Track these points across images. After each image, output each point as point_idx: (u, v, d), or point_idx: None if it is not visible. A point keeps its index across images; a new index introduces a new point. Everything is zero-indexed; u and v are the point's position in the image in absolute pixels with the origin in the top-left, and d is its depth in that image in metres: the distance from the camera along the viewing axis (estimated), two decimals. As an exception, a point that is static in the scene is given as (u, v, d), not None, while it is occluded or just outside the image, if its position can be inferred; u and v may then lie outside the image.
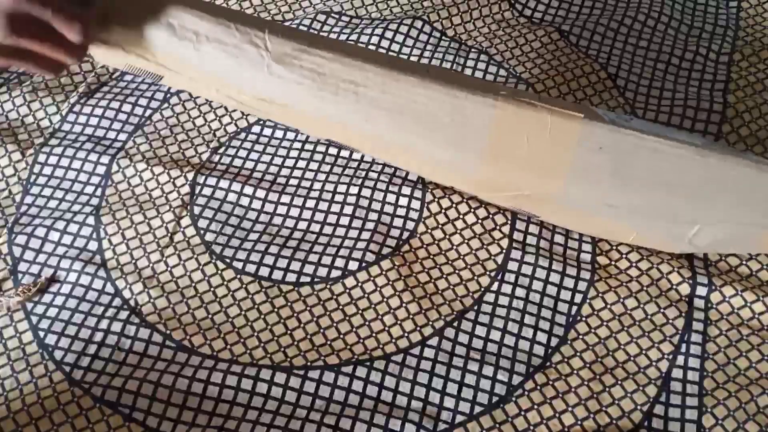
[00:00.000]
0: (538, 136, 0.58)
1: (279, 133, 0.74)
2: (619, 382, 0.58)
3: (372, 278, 0.63)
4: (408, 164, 0.65)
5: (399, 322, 0.61)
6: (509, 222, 0.66)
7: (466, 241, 0.66)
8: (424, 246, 0.66)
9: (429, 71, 0.60)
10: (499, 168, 0.60)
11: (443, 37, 0.82)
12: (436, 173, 0.65)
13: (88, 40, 0.54)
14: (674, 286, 0.62)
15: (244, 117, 0.75)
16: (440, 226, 0.67)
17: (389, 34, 0.81)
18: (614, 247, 0.65)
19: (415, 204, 0.68)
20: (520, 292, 0.62)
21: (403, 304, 0.62)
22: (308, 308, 0.63)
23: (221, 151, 0.73)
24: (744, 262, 0.64)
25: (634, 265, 0.64)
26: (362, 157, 0.71)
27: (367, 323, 0.62)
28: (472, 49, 0.81)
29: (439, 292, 0.63)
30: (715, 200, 0.58)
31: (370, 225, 0.67)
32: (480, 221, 0.67)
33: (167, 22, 0.58)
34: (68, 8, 0.52)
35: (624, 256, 0.65)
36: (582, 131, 0.58)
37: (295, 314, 0.62)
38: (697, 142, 0.59)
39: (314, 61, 0.58)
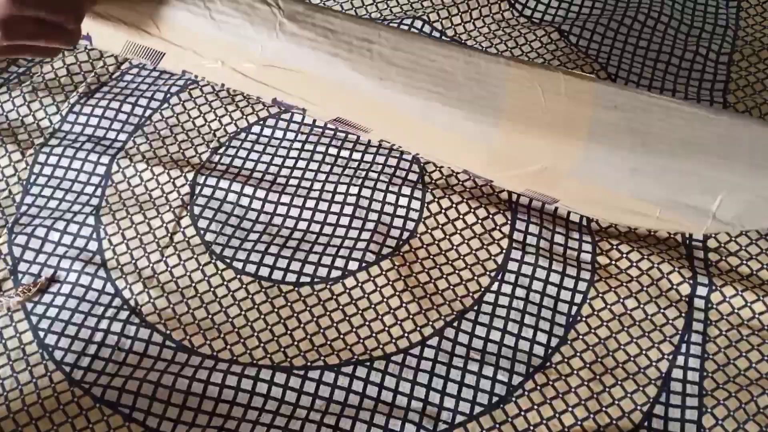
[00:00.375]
0: (554, 94, 0.58)
1: (279, 134, 0.74)
2: (619, 383, 0.58)
3: (372, 278, 0.63)
4: (420, 142, 0.63)
5: (399, 322, 0.61)
6: (509, 222, 0.66)
7: (466, 241, 0.66)
8: (424, 246, 0.66)
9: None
10: (516, 131, 0.58)
11: (443, 37, 0.82)
12: (449, 149, 0.62)
13: (79, 23, 0.54)
14: (674, 286, 0.62)
15: (244, 117, 0.75)
16: (440, 226, 0.67)
17: (389, 34, 0.81)
18: (615, 247, 0.65)
19: (415, 204, 0.68)
20: (520, 292, 0.62)
21: (403, 304, 0.62)
22: (308, 308, 0.63)
23: (221, 151, 0.73)
24: (744, 262, 0.64)
25: (634, 264, 0.64)
26: (362, 157, 0.71)
27: (367, 323, 0.62)
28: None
29: (439, 292, 0.63)
30: (733, 160, 0.58)
31: (370, 225, 0.67)
32: (480, 221, 0.67)
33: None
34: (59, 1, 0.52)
35: (624, 255, 0.64)
36: (596, 90, 0.58)
37: (295, 314, 0.62)
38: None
39: (327, 20, 0.57)
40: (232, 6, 0.56)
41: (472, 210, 0.67)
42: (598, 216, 0.65)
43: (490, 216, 0.67)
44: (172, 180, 0.70)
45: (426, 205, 0.68)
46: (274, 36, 0.56)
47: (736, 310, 0.61)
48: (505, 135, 0.59)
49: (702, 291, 0.62)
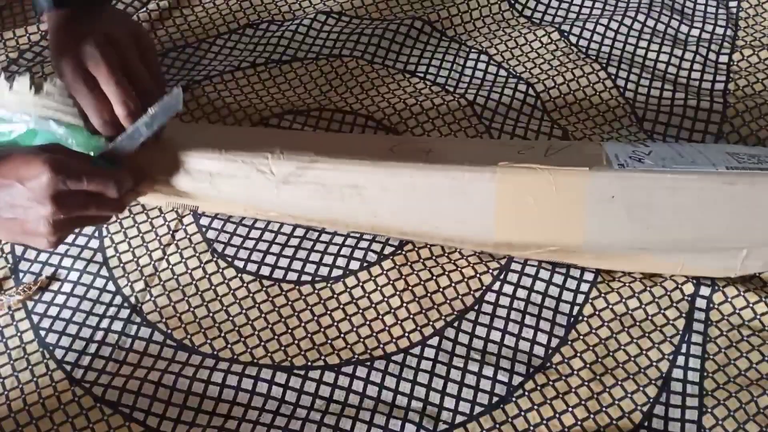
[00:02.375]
0: (545, 197, 0.59)
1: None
2: (620, 383, 0.58)
3: (373, 278, 0.63)
4: (430, 240, 0.66)
5: (399, 321, 0.61)
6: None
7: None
8: (427, 246, 0.65)
9: (430, 152, 0.62)
10: (515, 233, 0.61)
11: (443, 37, 0.82)
12: (458, 244, 0.65)
13: (127, 191, 0.59)
14: (679, 286, 0.62)
15: (247, 117, 0.75)
16: (444, 227, 0.67)
17: (389, 34, 0.81)
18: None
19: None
20: (521, 292, 0.62)
21: (404, 304, 0.62)
22: (309, 307, 0.63)
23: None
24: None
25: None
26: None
27: (367, 323, 0.62)
28: (472, 49, 0.81)
29: (440, 290, 0.63)
30: (752, 226, 0.58)
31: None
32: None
33: (184, 169, 0.62)
34: (99, 171, 0.56)
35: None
36: (589, 184, 0.58)
37: (296, 313, 0.62)
38: (721, 165, 0.57)
39: (316, 175, 0.61)
40: (231, 181, 0.62)
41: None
42: (624, 269, 0.65)
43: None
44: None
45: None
46: (272, 201, 0.63)
47: (737, 311, 0.61)
48: (505, 243, 0.62)
49: (705, 291, 0.62)
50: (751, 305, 0.61)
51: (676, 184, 0.57)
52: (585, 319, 0.61)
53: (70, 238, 0.66)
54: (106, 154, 0.58)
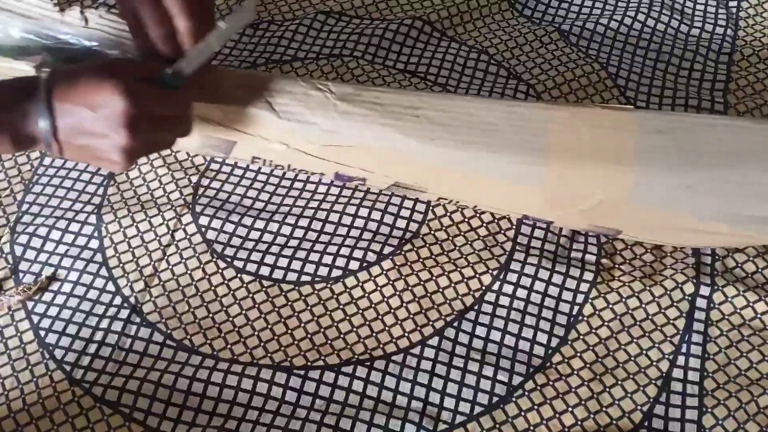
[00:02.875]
0: (596, 128, 0.60)
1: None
2: (620, 382, 0.58)
3: (373, 278, 0.64)
4: (476, 194, 0.65)
5: (399, 321, 0.62)
6: (514, 227, 0.67)
7: (469, 242, 0.66)
8: (427, 245, 0.66)
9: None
10: (566, 168, 0.60)
11: (443, 37, 0.82)
12: (505, 196, 0.64)
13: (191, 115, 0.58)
14: (679, 285, 0.62)
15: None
16: (444, 228, 0.67)
17: (389, 34, 0.81)
18: (618, 252, 0.65)
19: (420, 207, 0.68)
20: (521, 292, 0.62)
21: (404, 304, 0.62)
22: (309, 307, 0.63)
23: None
24: (751, 258, 0.64)
25: (639, 265, 0.64)
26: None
27: (367, 323, 0.62)
28: (472, 49, 0.81)
29: (440, 290, 0.63)
30: None
31: (372, 225, 0.67)
32: (485, 224, 0.67)
33: (240, 83, 0.62)
34: (170, 94, 0.56)
35: (630, 258, 0.65)
36: (638, 118, 0.61)
37: (296, 313, 0.62)
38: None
39: (373, 96, 0.62)
40: (289, 96, 0.61)
41: (478, 215, 0.67)
42: (665, 241, 0.65)
43: (496, 221, 0.67)
44: (175, 180, 0.70)
45: (431, 208, 0.68)
46: (330, 116, 0.61)
47: (737, 310, 0.61)
48: (556, 173, 0.61)
49: (705, 291, 0.62)
50: (751, 304, 0.61)
51: (714, 121, 0.61)
52: (585, 318, 0.61)
53: (69, 238, 0.66)
54: (176, 71, 0.56)
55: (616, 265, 0.64)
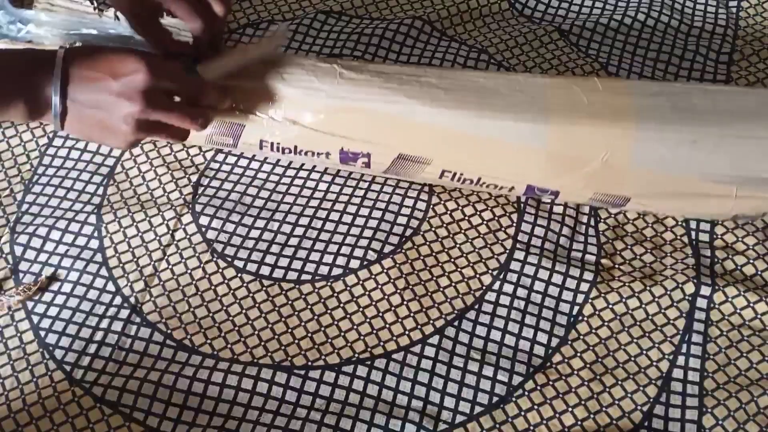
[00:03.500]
0: (592, 92, 0.62)
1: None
2: (620, 383, 0.59)
3: (373, 276, 0.64)
4: (479, 161, 0.64)
5: (400, 320, 0.62)
6: (514, 224, 0.67)
7: (469, 240, 0.66)
8: (427, 243, 0.66)
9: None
10: (567, 125, 0.61)
11: (443, 37, 0.82)
12: (508, 161, 0.64)
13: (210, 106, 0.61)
14: (679, 285, 0.62)
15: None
16: (444, 225, 0.67)
17: (389, 34, 0.81)
18: (618, 252, 0.65)
19: (421, 205, 0.68)
20: (521, 292, 0.63)
21: (404, 302, 0.62)
22: (309, 306, 0.63)
23: (226, 150, 0.73)
24: (751, 261, 0.64)
25: (639, 265, 0.64)
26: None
27: (367, 320, 0.62)
28: (472, 49, 0.81)
29: (441, 289, 0.63)
30: None
31: (372, 223, 0.67)
32: (485, 222, 0.67)
33: (245, 60, 0.64)
34: (191, 78, 0.60)
35: (630, 258, 0.65)
36: (632, 83, 0.66)
37: (296, 312, 0.62)
38: None
39: (378, 67, 0.65)
40: (298, 66, 0.65)
41: (478, 212, 0.68)
42: (675, 212, 0.66)
43: (496, 218, 0.67)
44: (174, 180, 0.70)
45: (432, 206, 0.68)
46: (335, 83, 0.63)
47: (738, 311, 0.61)
48: (557, 132, 0.62)
49: (705, 291, 0.62)
50: (751, 305, 0.61)
51: (707, 87, 0.64)
52: (585, 318, 0.61)
53: (69, 238, 0.66)
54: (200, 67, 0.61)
55: (616, 265, 0.64)
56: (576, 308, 0.62)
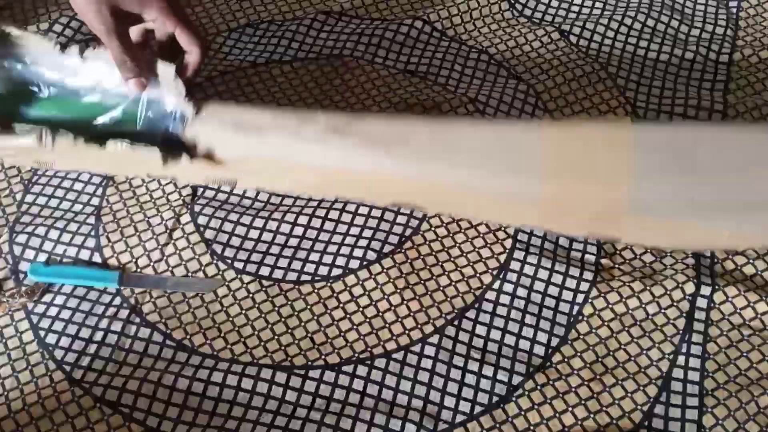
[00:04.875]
0: (592, 144, 0.59)
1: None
2: (620, 382, 0.58)
3: (373, 276, 0.63)
4: (473, 211, 0.65)
5: (400, 319, 0.61)
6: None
7: (469, 239, 0.66)
8: (427, 242, 0.66)
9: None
10: (562, 183, 0.60)
11: (443, 37, 0.82)
12: (500, 210, 0.64)
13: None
14: (680, 285, 0.62)
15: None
16: (444, 225, 0.67)
17: (389, 34, 0.81)
18: (618, 252, 0.65)
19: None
20: (521, 291, 0.62)
21: (404, 302, 0.62)
22: (309, 307, 0.63)
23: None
24: (751, 261, 0.64)
25: (639, 264, 0.64)
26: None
27: (367, 320, 0.62)
28: (472, 49, 0.81)
29: (441, 288, 0.63)
30: None
31: (372, 223, 0.67)
32: (484, 222, 0.67)
33: (232, 122, 0.64)
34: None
35: (630, 258, 0.65)
36: (634, 133, 0.60)
37: (296, 313, 0.62)
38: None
39: (364, 127, 0.62)
40: (281, 130, 0.63)
41: (478, 212, 0.67)
42: (665, 246, 0.65)
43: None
44: (174, 180, 0.70)
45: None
46: (321, 149, 0.63)
47: (738, 310, 0.61)
48: (551, 191, 0.61)
49: (705, 290, 0.62)
50: (751, 304, 0.61)
51: (716, 134, 0.59)
52: (585, 318, 0.61)
53: (67, 238, 0.66)
54: None
55: (616, 265, 0.64)
56: (576, 308, 0.62)
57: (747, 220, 0.59)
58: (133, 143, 0.63)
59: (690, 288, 0.62)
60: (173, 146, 0.64)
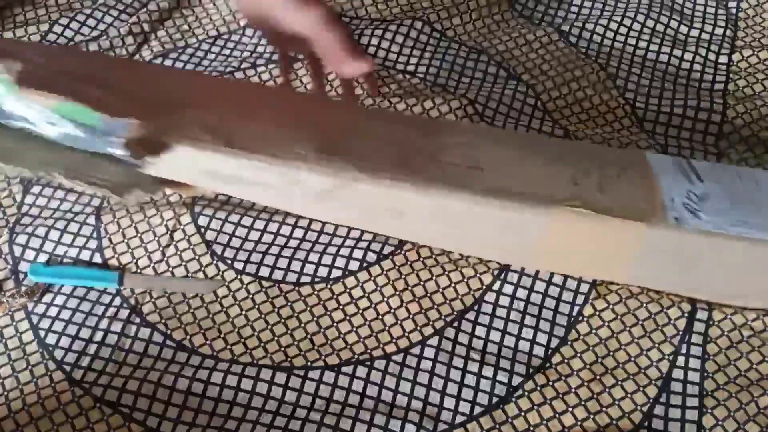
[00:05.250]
0: (596, 242, 0.57)
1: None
2: (620, 383, 0.58)
3: (372, 278, 0.63)
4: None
5: (399, 321, 0.61)
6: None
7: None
8: (428, 245, 0.65)
9: (483, 171, 0.58)
10: (555, 263, 0.62)
11: (443, 37, 0.82)
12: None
13: None
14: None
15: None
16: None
17: (389, 35, 0.81)
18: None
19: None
20: (521, 292, 0.62)
21: (404, 304, 0.62)
22: (308, 308, 0.63)
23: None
24: None
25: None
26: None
27: (367, 323, 0.62)
28: (472, 50, 0.81)
29: (440, 290, 0.63)
30: None
31: (371, 225, 0.67)
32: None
33: (207, 171, 0.56)
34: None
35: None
36: (642, 240, 0.56)
37: (296, 314, 0.62)
38: None
39: (355, 196, 0.56)
40: (262, 189, 0.57)
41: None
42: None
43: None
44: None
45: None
46: (307, 212, 0.63)
47: (738, 311, 0.61)
48: (542, 266, 0.63)
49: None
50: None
51: (725, 248, 0.56)
52: (585, 319, 0.61)
53: (68, 239, 0.66)
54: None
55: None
56: (576, 309, 0.62)
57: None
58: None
59: (690, 289, 0.62)
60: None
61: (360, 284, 0.63)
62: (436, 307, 0.62)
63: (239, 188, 0.58)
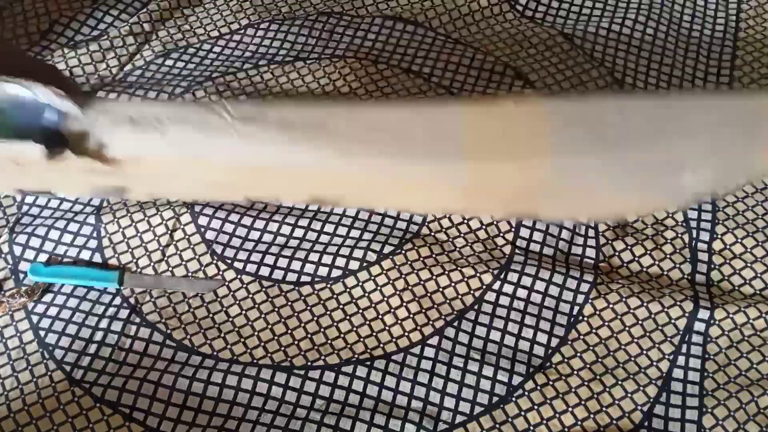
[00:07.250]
0: (510, 124, 0.58)
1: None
2: (620, 382, 0.58)
3: (372, 277, 0.63)
4: (393, 201, 0.62)
5: (399, 321, 0.61)
6: (513, 230, 0.67)
7: (469, 244, 0.66)
8: (428, 245, 0.66)
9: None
10: (483, 164, 0.59)
11: (444, 38, 0.82)
12: (424, 199, 0.61)
13: None
14: (676, 283, 0.62)
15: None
16: (444, 229, 0.67)
17: (390, 35, 0.81)
18: (617, 253, 0.65)
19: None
20: (521, 292, 0.62)
21: (404, 303, 0.62)
22: (309, 307, 0.63)
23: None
24: (749, 265, 0.64)
25: (638, 264, 0.64)
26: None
27: (367, 322, 0.62)
28: (473, 50, 0.81)
29: (440, 289, 0.63)
30: (696, 138, 0.57)
31: (372, 225, 0.67)
32: (484, 227, 0.67)
33: (128, 116, 0.55)
34: None
35: (628, 261, 0.65)
36: (550, 111, 0.59)
37: (296, 313, 0.62)
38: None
39: (278, 115, 0.57)
40: (184, 124, 0.56)
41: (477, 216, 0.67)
42: (579, 218, 0.65)
43: (495, 223, 0.67)
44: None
45: (431, 210, 0.68)
46: (231, 143, 0.56)
47: (742, 309, 0.61)
48: (472, 173, 0.59)
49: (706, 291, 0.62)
50: (752, 305, 0.61)
51: (624, 103, 0.58)
52: (585, 318, 0.61)
53: (68, 238, 0.66)
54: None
55: (615, 269, 0.64)
56: (576, 308, 0.62)
57: (653, 186, 0.60)
58: (4, 139, 0.52)
59: (692, 290, 0.62)
60: (55, 144, 0.54)
61: (360, 284, 0.63)
62: (436, 306, 0.62)
63: (157, 132, 0.56)
